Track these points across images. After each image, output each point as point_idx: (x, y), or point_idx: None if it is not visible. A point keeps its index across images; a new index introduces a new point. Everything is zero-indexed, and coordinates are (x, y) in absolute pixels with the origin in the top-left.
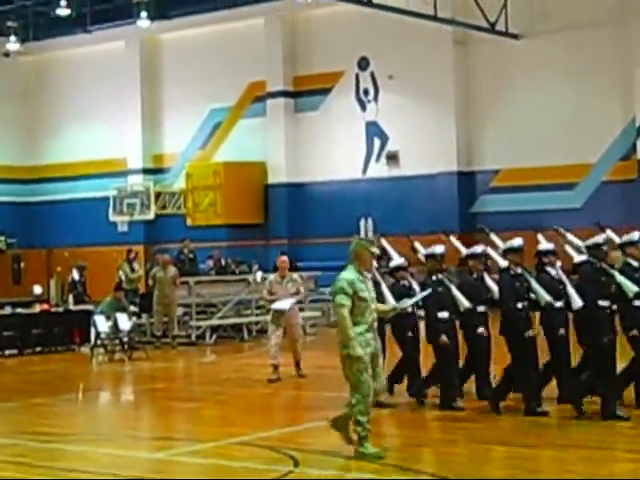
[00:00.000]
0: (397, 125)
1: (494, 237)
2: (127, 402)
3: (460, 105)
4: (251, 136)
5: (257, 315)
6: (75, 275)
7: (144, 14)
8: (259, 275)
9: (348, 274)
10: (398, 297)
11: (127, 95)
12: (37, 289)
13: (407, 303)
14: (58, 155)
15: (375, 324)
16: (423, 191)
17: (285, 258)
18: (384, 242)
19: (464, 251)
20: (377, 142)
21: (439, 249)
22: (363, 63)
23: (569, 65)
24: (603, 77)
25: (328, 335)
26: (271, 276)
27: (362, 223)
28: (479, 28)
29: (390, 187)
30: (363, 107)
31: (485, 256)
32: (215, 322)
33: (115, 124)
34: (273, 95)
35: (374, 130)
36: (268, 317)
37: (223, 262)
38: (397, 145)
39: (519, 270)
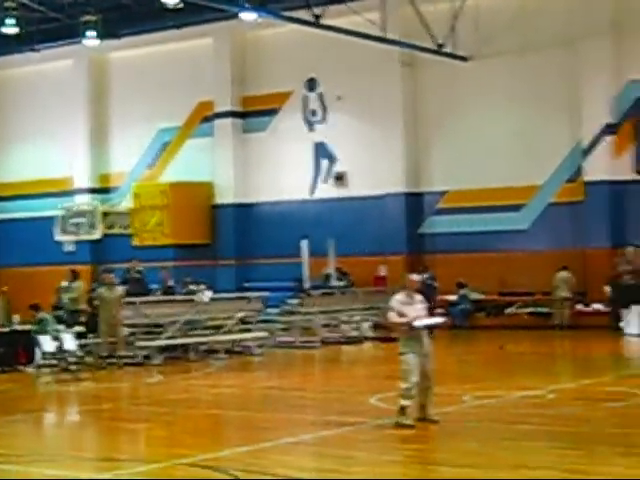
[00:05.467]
0: (345, 146)
1: None
2: (72, 423)
3: (408, 126)
4: (199, 156)
5: (205, 335)
6: None
7: (92, 33)
8: (207, 295)
9: None
10: None
11: (74, 114)
12: None
13: None
14: (4, 174)
15: None
16: (371, 212)
17: (417, 277)
18: None
19: None
20: (325, 163)
21: None
22: (311, 84)
23: (516, 87)
24: (550, 100)
25: (275, 356)
26: (397, 296)
27: (304, 243)
28: (427, 50)
29: (338, 208)
30: (311, 128)
31: None
32: (162, 343)
33: (62, 143)
34: (221, 115)
35: (322, 151)
36: (400, 342)
37: (171, 282)
38: (345, 166)
39: None
